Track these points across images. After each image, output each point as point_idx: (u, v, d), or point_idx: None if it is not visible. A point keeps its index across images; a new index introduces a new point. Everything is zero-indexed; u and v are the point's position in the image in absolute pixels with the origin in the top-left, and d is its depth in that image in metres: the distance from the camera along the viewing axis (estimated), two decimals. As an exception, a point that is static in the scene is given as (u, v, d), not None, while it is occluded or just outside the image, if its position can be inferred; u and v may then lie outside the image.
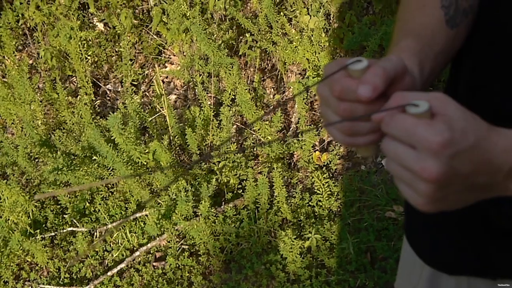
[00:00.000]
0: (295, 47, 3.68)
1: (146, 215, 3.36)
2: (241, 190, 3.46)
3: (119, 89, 4.21)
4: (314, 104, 3.78)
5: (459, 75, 1.21)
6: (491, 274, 1.29)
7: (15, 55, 4.30)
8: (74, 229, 3.39)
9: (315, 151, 3.56)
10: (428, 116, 0.78)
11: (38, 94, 3.97)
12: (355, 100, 0.86)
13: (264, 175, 3.38)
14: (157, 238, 3.33)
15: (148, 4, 4.33)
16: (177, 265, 3.26)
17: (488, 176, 0.83)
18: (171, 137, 3.56)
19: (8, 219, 3.42)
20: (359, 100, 0.85)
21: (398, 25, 1.14)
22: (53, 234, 3.41)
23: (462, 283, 1.36)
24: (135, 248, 3.35)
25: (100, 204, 3.47)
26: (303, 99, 3.50)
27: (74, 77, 4.23)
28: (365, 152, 0.96)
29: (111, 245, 3.39)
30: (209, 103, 3.64)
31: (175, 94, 4.12)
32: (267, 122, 3.55)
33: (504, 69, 1.08)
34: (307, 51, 3.64)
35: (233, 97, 3.59)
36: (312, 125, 3.55)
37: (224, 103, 3.56)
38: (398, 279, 1.67)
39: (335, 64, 0.89)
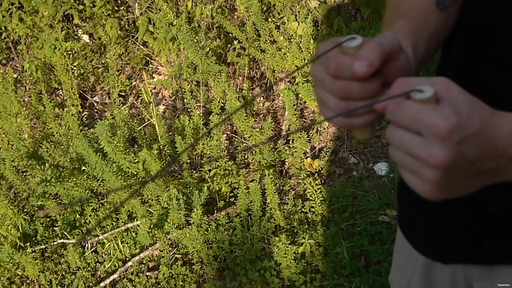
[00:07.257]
0: (284, 54, 3.67)
1: (138, 225, 3.32)
2: (233, 198, 3.43)
3: (106, 101, 4.17)
4: (304, 111, 3.77)
5: (448, 61, 1.21)
6: (487, 261, 1.29)
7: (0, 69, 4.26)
8: (64, 241, 3.34)
9: (306, 158, 3.54)
10: (433, 101, 0.77)
11: (24, 108, 3.92)
12: (351, 78, 0.85)
13: (256, 182, 3.36)
14: (150, 248, 3.29)
15: (133, 15, 4.30)
16: (171, 274, 3.22)
17: (494, 161, 0.82)
18: (160, 147, 3.52)
19: (-3, 233, 3.37)
20: (355, 77, 0.84)
21: (389, 9, 1.14)
22: (43, 246, 3.35)
23: (457, 272, 1.37)
24: (127, 259, 3.31)
25: (90, 215, 3.43)
26: (294, 105, 3.49)
27: (60, 90, 4.18)
28: (361, 134, 0.93)
29: (103, 256, 3.34)
30: (198, 112, 3.62)
31: (163, 104, 4.09)
32: (258, 130, 3.52)
33: (495, 52, 1.08)
34: (296, 58, 3.63)
35: (223, 105, 3.57)
36: (302, 131, 3.53)
37: (213, 112, 3.54)
38: (392, 271, 1.66)
39: (329, 43, 0.88)
